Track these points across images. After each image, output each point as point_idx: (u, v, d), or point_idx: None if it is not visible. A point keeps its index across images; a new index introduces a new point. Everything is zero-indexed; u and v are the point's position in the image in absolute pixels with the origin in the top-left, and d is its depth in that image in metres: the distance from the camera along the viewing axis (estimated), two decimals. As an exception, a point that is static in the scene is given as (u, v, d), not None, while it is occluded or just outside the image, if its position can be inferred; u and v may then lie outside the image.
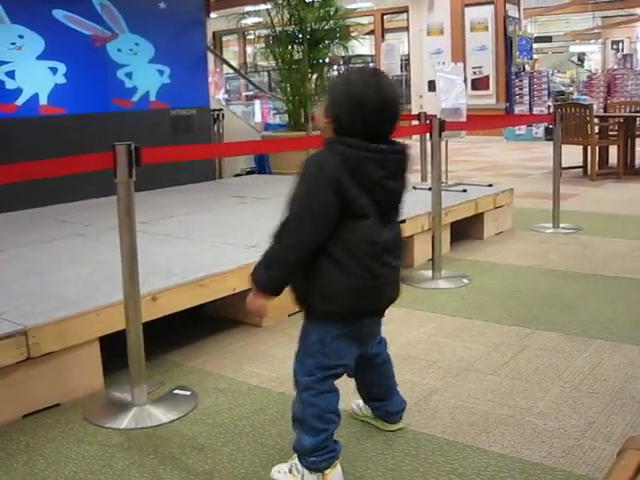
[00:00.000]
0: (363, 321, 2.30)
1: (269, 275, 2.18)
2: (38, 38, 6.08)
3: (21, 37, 6.00)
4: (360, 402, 2.74)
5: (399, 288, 2.38)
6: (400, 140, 2.27)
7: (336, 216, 2.11)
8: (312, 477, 2.27)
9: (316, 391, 2.26)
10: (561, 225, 6.11)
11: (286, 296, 3.97)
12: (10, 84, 5.96)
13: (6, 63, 5.91)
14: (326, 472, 2.26)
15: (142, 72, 6.92)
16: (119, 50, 6.73)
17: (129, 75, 6.83)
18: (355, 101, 2.12)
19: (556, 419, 2.71)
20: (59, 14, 6.19)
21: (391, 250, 2.25)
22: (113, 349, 3.08)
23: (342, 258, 2.14)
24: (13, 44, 5.96)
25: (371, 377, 2.58)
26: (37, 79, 6.12)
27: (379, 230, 2.19)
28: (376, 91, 2.13)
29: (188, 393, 3.06)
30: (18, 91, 6.01)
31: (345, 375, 2.45)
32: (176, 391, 3.08)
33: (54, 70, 6.21)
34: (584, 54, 26.14)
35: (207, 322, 3.88)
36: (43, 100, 6.16)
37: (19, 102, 6.03)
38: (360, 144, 2.11)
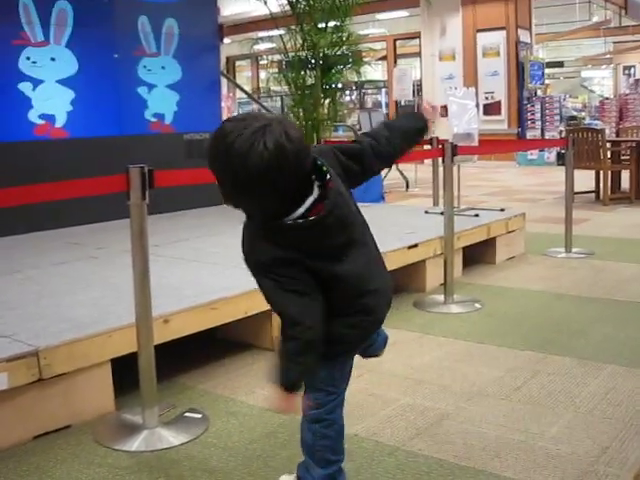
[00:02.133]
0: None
1: (291, 374, 2.00)
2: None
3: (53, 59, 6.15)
4: None
5: (390, 295, 2.23)
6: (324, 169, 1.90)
7: (312, 281, 1.94)
8: None
9: (328, 422, 2.19)
10: (573, 250, 6.09)
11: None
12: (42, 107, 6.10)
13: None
14: None
15: (160, 96, 7.00)
16: (149, 70, 6.86)
17: (150, 98, 6.91)
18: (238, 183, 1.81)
19: (569, 444, 2.68)
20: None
21: (368, 278, 2.06)
22: (124, 371, 3.08)
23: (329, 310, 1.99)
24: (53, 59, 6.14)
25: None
26: (58, 100, 6.21)
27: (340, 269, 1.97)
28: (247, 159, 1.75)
29: (199, 416, 3.05)
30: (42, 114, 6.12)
31: None
32: (187, 414, 3.08)
33: (73, 91, 6.29)
34: (584, 80, 26.37)
35: (219, 345, 3.88)
36: (59, 123, 6.22)
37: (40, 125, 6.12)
38: (277, 230, 1.87)
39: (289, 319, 1.97)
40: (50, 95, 6.12)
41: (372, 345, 2.47)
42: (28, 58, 5.96)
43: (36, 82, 6.03)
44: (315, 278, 1.94)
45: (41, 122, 6.09)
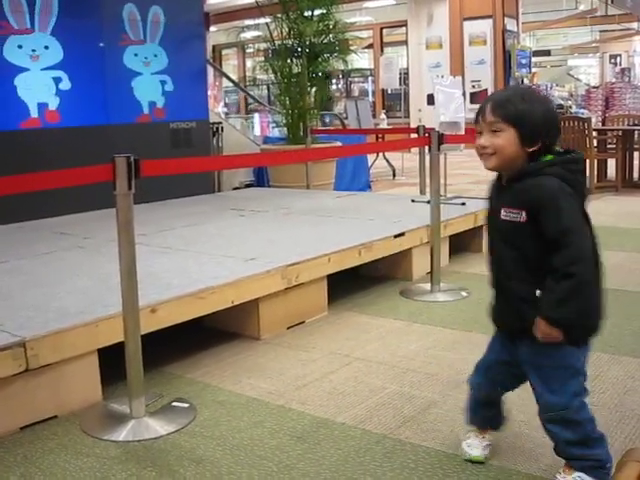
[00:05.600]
0: None
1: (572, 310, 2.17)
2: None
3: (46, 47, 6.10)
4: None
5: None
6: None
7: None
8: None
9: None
10: (560, 238, 6.10)
11: (284, 309, 3.97)
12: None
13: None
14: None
15: (146, 84, 6.97)
16: (135, 58, 6.83)
17: (136, 87, 6.89)
18: (554, 120, 2.23)
19: (555, 432, 2.70)
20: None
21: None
22: (112, 361, 3.08)
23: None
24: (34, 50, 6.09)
25: None
26: (43, 89, 6.17)
27: None
28: (553, 106, 2.31)
29: (186, 405, 3.05)
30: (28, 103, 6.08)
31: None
32: (174, 403, 3.08)
33: (59, 79, 6.26)
34: (571, 68, 26.47)
35: (206, 334, 3.88)
36: (45, 112, 6.19)
37: (32, 115, 6.09)
38: (571, 159, 2.19)
39: (576, 252, 2.13)
40: (35, 84, 6.09)
41: None
42: (14, 46, 5.93)
43: (21, 71, 5.99)
44: None
45: (26, 111, 6.06)
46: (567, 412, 2.23)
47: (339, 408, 2.98)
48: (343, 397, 3.09)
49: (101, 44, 6.54)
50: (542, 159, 2.18)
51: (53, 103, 6.21)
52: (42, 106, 6.14)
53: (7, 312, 3.20)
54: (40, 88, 6.13)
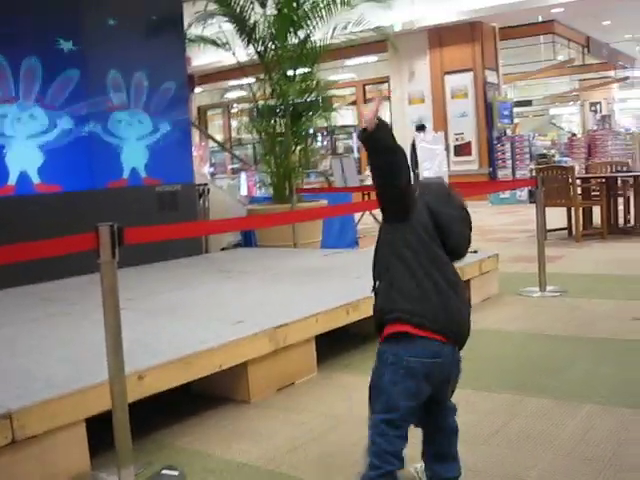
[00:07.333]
0: None
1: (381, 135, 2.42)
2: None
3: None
4: (419, 466, 2.74)
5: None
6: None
7: None
8: None
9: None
10: (548, 288, 6.11)
11: (273, 371, 3.94)
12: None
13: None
14: None
15: (131, 148, 7.01)
16: (119, 121, 6.86)
17: (122, 151, 6.93)
18: None
19: (549, 488, 2.67)
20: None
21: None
22: (100, 429, 3.04)
23: None
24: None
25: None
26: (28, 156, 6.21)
27: None
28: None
29: (176, 473, 3.01)
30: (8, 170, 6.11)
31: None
32: (164, 471, 3.03)
33: (45, 146, 6.30)
34: (552, 117, 26.96)
35: (194, 400, 3.84)
36: (35, 179, 6.23)
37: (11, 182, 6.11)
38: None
39: None
40: (20, 152, 6.12)
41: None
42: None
43: (6, 139, 6.03)
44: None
45: (12, 179, 6.09)
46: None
47: (330, 471, 2.94)
48: (334, 459, 3.05)
49: (86, 110, 6.59)
50: None
51: (37, 169, 6.24)
52: (25, 174, 6.16)
53: (-7, 384, 3.17)
54: (25, 156, 6.16)
